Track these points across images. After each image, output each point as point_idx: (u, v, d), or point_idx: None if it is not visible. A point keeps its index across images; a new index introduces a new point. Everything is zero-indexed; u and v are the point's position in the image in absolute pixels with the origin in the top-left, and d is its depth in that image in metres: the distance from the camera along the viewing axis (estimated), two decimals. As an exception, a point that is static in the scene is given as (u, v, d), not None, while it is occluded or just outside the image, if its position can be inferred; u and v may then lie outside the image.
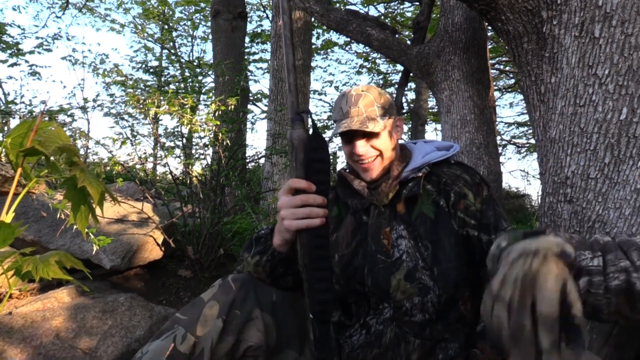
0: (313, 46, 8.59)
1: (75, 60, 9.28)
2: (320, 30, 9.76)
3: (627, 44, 1.50)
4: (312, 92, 11.55)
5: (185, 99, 3.03)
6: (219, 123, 3.05)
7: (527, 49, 1.73)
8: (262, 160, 5.41)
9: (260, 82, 18.04)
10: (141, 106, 3.10)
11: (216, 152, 3.30)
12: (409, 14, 9.16)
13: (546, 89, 1.71)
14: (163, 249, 3.13)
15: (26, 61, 7.77)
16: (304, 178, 1.09)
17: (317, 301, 1.08)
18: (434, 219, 1.45)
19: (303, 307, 1.47)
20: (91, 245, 2.50)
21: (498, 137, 8.58)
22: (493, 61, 8.53)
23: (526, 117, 10.69)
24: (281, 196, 1.14)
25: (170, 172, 3.37)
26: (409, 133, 11.98)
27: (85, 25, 27.14)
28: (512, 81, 10.06)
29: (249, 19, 8.42)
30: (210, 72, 8.05)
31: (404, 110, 9.63)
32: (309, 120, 1.10)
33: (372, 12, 9.18)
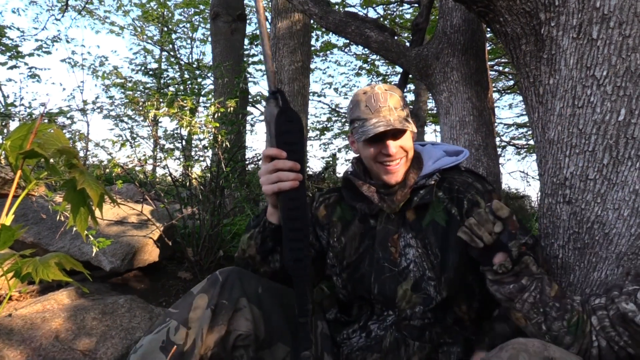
0: (312, 48, 8.60)
1: (75, 63, 9.30)
2: (319, 32, 9.77)
3: (625, 45, 1.50)
4: (311, 94, 11.55)
5: (185, 101, 3.03)
6: (218, 125, 3.05)
7: (526, 50, 1.73)
8: (261, 162, 5.41)
9: (259, 84, 18.02)
10: (140, 108, 3.10)
11: (215, 154, 3.30)
12: (407, 16, 9.16)
13: (544, 91, 1.71)
14: (163, 250, 3.13)
15: (25, 64, 7.76)
16: (279, 146, 1.19)
17: (291, 257, 1.18)
18: (445, 226, 1.45)
19: (292, 298, 1.47)
20: (91, 247, 2.50)
21: (497, 139, 8.58)
22: (492, 63, 8.54)
23: (525, 119, 10.69)
24: (261, 165, 1.24)
25: (170, 174, 3.37)
26: (409, 134, 11.93)
27: (84, 27, 27.13)
28: (511, 82, 10.06)
29: (248, 21, 8.42)
30: (209, 74, 8.06)
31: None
32: (280, 98, 1.18)
33: (371, 13, 9.18)
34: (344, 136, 13.49)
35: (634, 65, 1.49)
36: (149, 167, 4.42)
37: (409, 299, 1.43)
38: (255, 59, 10.44)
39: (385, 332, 1.45)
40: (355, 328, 1.51)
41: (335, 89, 12.78)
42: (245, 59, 8.13)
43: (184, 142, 3.35)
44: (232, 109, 3.19)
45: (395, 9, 9.06)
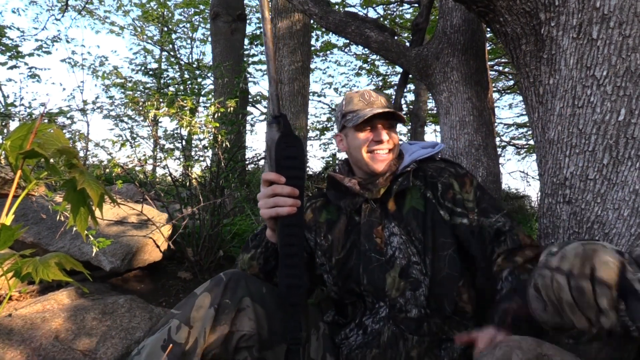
0: (312, 48, 8.60)
1: (75, 63, 9.30)
2: (319, 32, 9.77)
3: (625, 45, 1.50)
4: (311, 94, 11.56)
5: (185, 101, 3.03)
6: (218, 125, 3.05)
7: (526, 50, 1.73)
8: (261, 162, 5.41)
9: (259, 84, 18.04)
10: (140, 108, 3.10)
11: (215, 154, 3.30)
12: (408, 16, 9.17)
13: (544, 91, 1.71)
14: (163, 250, 3.13)
15: (25, 63, 7.77)
16: (278, 171, 1.19)
17: (285, 284, 1.16)
18: (424, 211, 1.51)
19: None
20: (91, 247, 2.50)
21: (497, 139, 8.58)
22: (492, 63, 8.54)
23: (525, 119, 10.69)
24: (261, 189, 1.25)
25: (170, 174, 3.37)
26: (408, 135, 11.97)
27: (84, 27, 27.13)
28: (512, 82, 10.07)
29: (248, 21, 8.42)
30: (209, 74, 8.06)
31: (404, 112, 9.63)
32: (282, 123, 1.18)
33: (371, 13, 9.19)
34: (344, 136, 13.49)
35: (634, 65, 1.49)
36: (149, 167, 4.42)
37: (398, 286, 1.44)
38: (255, 59, 10.45)
39: (380, 325, 1.45)
40: (351, 327, 1.52)
41: (335, 89, 12.80)
42: (245, 59, 8.13)
43: (184, 142, 3.35)
44: (232, 109, 3.19)
45: (395, 9, 9.07)
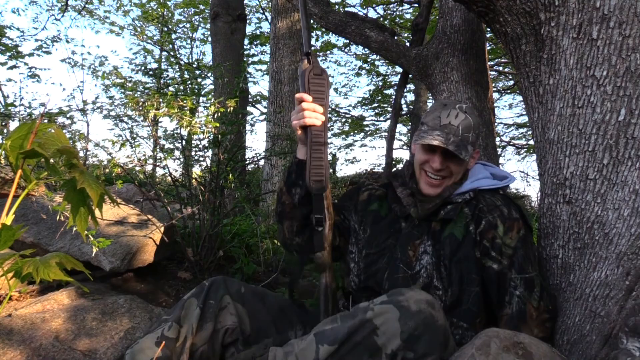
0: (312, 48, 8.59)
1: (75, 63, 9.29)
2: (319, 32, 9.77)
3: (624, 45, 1.50)
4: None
5: (185, 101, 3.03)
6: (218, 125, 3.05)
7: (525, 50, 1.73)
8: (261, 162, 5.41)
9: (259, 84, 18.05)
10: (140, 108, 3.10)
11: (215, 154, 3.30)
12: (408, 16, 9.17)
13: (544, 91, 1.71)
14: (163, 250, 3.13)
15: (25, 64, 7.75)
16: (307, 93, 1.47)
17: (312, 180, 1.47)
18: (460, 241, 1.52)
19: (275, 302, 1.65)
20: (91, 247, 2.50)
21: (497, 139, 8.57)
22: (492, 63, 8.54)
23: (525, 119, 10.69)
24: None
25: (170, 174, 3.37)
26: (409, 135, 11.96)
27: (84, 27, 27.06)
28: (511, 82, 10.06)
29: (248, 21, 8.42)
30: (209, 74, 8.06)
31: (404, 112, 9.63)
32: (309, 58, 1.50)
33: (371, 13, 9.18)
34: (344, 136, 13.49)
35: (634, 65, 1.49)
36: (148, 167, 4.42)
37: None
38: (255, 59, 10.45)
39: None
40: None
41: (335, 89, 12.78)
42: (245, 59, 8.13)
43: (183, 142, 3.35)
44: (232, 109, 3.18)
45: (395, 9, 9.06)
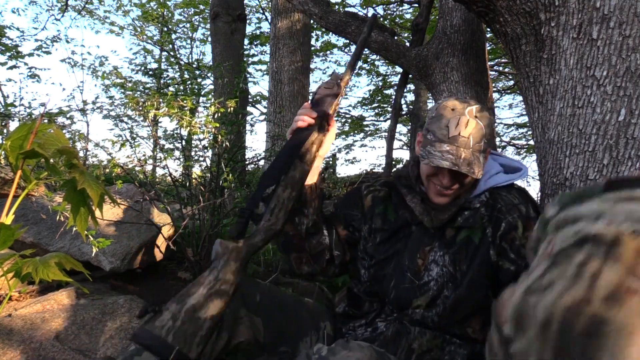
0: (312, 48, 8.59)
1: (75, 63, 9.29)
2: (319, 32, 9.77)
3: (625, 45, 1.50)
4: (311, 94, 11.55)
5: (185, 101, 3.03)
6: (218, 125, 3.05)
7: (526, 50, 1.74)
8: (261, 162, 5.41)
9: (259, 84, 18.05)
10: (140, 108, 3.10)
11: (216, 154, 3.30)
12: (408, 16, 9.17)
13: (545, 91, 1.71)
14: (162, 251, 3.13)
15: (25, 64, 7.77)
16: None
17: (265, 174, 1.38)
18: (477, 244, 1.42)
19: (291, 305, 1.55)
20: (90, 247, 2.50)
21: (497, 139, 8.58)
22: (492, 63, 8.54)
23: (525, 119, 10.69)
24: None
25: (170, 174, 3.37)
26: (409, 135, 11.96)
27: (84, 27, 27.14)
28: (512, 82, 10.07)
29: (248, 21, 8.42)
30: (209, 74, 8.06)
31: (404, 112, 9.63)
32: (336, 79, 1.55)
33: (371, 13, 9.18)
34: (343, 136, 13.48)
35: (634, 65, 1.49)
36: (148, 167, 4.42)
37: (421, 311, 1.43)
38: (255, 59, 10.45)
39: (387, 324, 1.47)
40: (362, 323, 1.53)
41: (335, 89, 12.72)
42: (245, 59, 8.13)
43: (183, 142, 3.35)
44: (232, 109, 3.19)
45: (395, 9, 9.07)
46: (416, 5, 7.66)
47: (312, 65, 10.13)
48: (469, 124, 1.35)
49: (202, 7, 11.36)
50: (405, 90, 3.51)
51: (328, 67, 21.32)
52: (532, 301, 0.46)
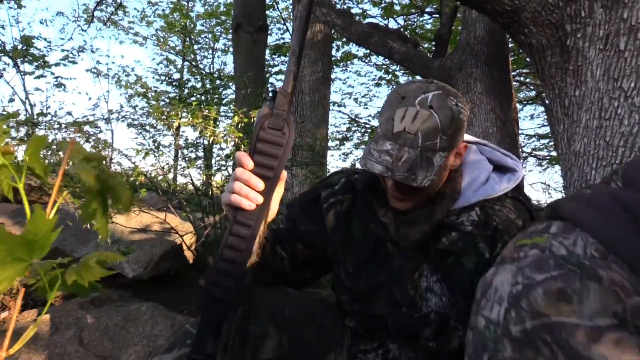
0: (333, 58, 8.64)
1: (99, 72, 9.48)
2: (339, 43, 9.82)
3: (653, 57, 1.49)
4: (331, 104, 11.59)
5: (209, 111, 3.07)
6: (241, 135, 3.08)
7: (551, 62, 1.72)
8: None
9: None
10: (165, 118, 3.15)
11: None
12: (428, 26, 9.18)
13: (570, 102, 1.70)
14: (185, 258, 3.16)
15: (52, 73, 7.97)
16: (251, 154, 0.96)
17: (208, 293, 0.95)
18: (473, 271, 1.20)
19: (322, 318, 1.38)
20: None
21: (519, 150, 8.48)
22: (514, 73, 8.48)
23: (547, 129, 10.58)
24: None
25: (192, 183, 3.41)
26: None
27: (109, 38, 27.70)
28: (533, 93, 9.98)
29: (269, 32, 8.51)
30: (230, 84, 8.15)
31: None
32: (275, 100, 0.95)
33: (392, 24, 9.20)
34: (363, 146, 13.48)
35: (663, 77, 1.47)
36: (171, 176, 4.48)
37: (433, 344, 1.36)
38: (277, 69, 10.53)
39: (399, 351, 1.40)
40: (374, 346, 1.44)
41: (355, 99, 12.78)
42: (266, 70, 8.20)
43: (205, 152, 3.39)
44: (255, 119, 3.22)
45: (415, 20, 9.08)
46: (437, 15, 7.66)
47: (332, 75, 10.19)
48: (418, 116, 1.07)
49: (223, 17, 11.52)
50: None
51: (348, 77, 21.35)
52: None
